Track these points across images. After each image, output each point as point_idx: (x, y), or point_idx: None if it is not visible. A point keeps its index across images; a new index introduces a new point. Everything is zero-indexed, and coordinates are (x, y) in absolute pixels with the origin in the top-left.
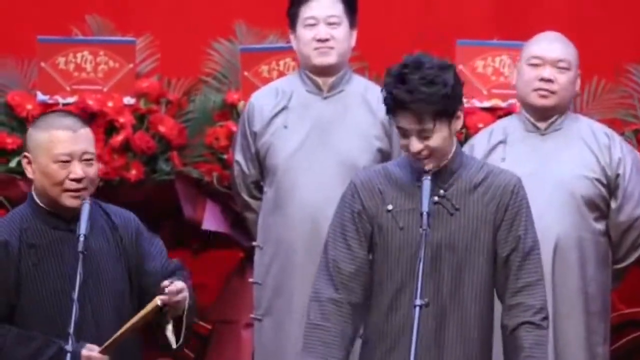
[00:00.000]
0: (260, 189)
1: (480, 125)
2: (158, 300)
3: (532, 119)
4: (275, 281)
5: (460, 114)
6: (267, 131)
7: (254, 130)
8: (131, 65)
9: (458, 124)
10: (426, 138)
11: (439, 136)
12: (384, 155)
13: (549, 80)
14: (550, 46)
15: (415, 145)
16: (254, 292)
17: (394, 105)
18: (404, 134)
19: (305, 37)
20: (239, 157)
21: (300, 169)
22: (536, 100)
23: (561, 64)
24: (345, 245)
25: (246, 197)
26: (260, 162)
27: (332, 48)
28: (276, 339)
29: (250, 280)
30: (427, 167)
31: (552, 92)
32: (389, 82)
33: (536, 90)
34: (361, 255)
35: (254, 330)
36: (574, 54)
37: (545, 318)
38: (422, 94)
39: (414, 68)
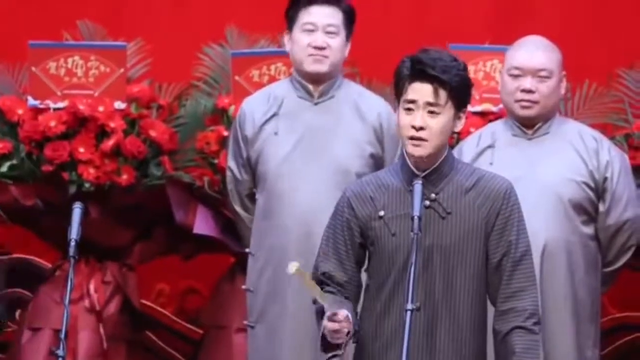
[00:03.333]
0: (253, 200)
1: (472, 130)
2: None
3: (518, 125)
4: (268, 288)
5: (463, 115)
6: (259, 138)
7: (246, 134)
8: (122, 70)
9: (459, 124)
10: (432, 115)
11: (444, 119)
12: (377, 161)
13: (530, 91)
14: (530, 56)
15: (420, 119)
16: (247, 299)
17: (412, 72)
18: (411, 107)
19: (301, 41)
20: (231, 163)
21: (291, 176)
22: (519, 111)
23: (542, 73)
24: (336, 257)
25: (238, 209)
26: (252, 168)
27: (326, 57)
28: (270, 345)
29: (243, 287)
30: (417, 153)
31: (534, 102)
32: (409, 56)
33: (518, 101)
34: (351, 267)
35: (247, 336)
36: (555, 60)
37: (537, 323)
38: (446, 64)
39: (438, 50)
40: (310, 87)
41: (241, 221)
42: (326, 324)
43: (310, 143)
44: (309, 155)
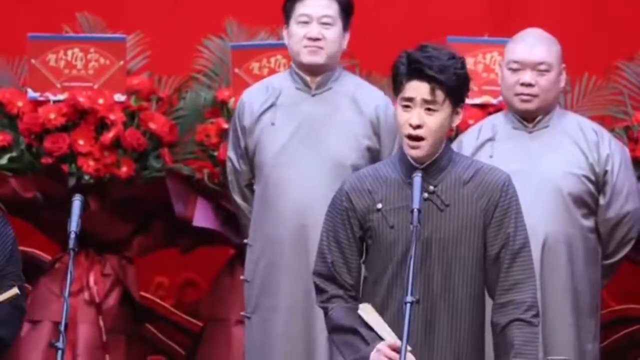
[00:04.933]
0: (252, 191)
1: (471, 122)
2: (17, 290)
3: (519, 118)
4: (263, 278)
5: (461, 110)
6: (256, 128)
7: (244, 125)
8: (122, 63)
9: (456, 119)
10: (430, 113)
11: (441, 116)
12: (373, 154)
13: (530, 85)
14: (529, 49)
15: (417, 117)
16: (244, 289)
17: (409, 70)
18: (409, 105)
19: (297, 33)
20: (231, 153)
21: (287, 167)
22: (519, 105)
23: (541, 67)
24: (339, 251)
25: (238, 200)
26: (249, 158)
27: (321, 48)
28: (263, 336)
29: (241, 277)
30: (414, 154)
31: (534, 96)
32: (407, 52)
33: (518, 95)
34: (354, 260)
35: (244, 327)
36: (554, 53)
37: (536, 315)
38: (442, 63)
39: (436, 47)
40: (308, 78)
41: (241, 212)
42: (389, 353)
43: (307, 134)
44: (305, 146)
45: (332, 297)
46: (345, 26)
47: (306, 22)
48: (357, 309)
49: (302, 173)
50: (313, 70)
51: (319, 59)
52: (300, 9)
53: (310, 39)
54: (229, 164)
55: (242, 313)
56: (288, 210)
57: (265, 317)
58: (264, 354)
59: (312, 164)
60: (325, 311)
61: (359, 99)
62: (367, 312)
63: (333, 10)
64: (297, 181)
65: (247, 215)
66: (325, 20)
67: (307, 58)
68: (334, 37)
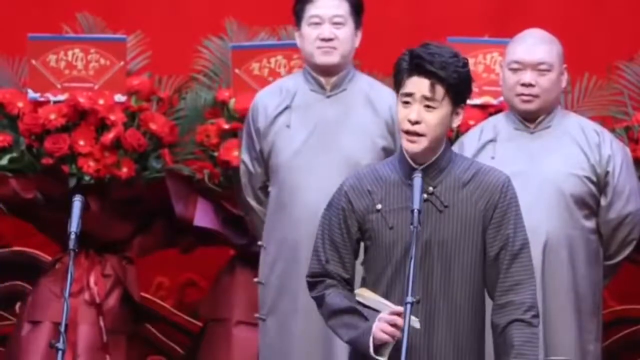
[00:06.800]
0: (266, 193)
1: (471, 122)
2: None
3: (520, 118)
4: (279, 281)
5: (461, 111)
6: (271, 130)
7: (258, 127)
8: (122, 63)
9: (457, 120)
10: (429, 110)
11: (440, 113)
12: (389, 154)
13: (530, 85)
14: (530, 49)
15: (416, 113)
16: (258, 292)
17: (410, 66)
18: (408, 100)
19: (309, 35)
20: (244, 156)
21: (303, 169)
22: (520, 105)
23: (542, 67)
24: (335, 250)
25: (252, 203)
26: (264, 161)
27: (335, 48)
28: (280, 338)
29: (255, 280)
30: (411, 150)
31: (535, 96)
32: (410, 49)
33: (519, 95)
34: (349, 259)
35: (258, 330)
36: (555, 53)
37: (536, 316)
38: (444, 60)
39: (439, 45)
40: (322, 80)
41: (255, 215)
42: (394, 319)
43: (322, 136)
44: (320, 148)
45: (329, 286)
46: (357, 25)
47: (318, 23)
48: (354, 294)
49: (318, 175)
50: (327, 70)
51: (333, 59)
52: (311, 11)
53: (323, 39)
54: (242, 167)
55: (256, 315)
56: (304, 212)
57: (283, 319)
58: (282, 355)
59: (327, 165)
60: (320, 301)
61: (373, 99)
62: (363, 294)
63: (344, 9)
64: (313, 183)
65: (261, 217)
66: (336, 20)
67: (321, 59)
68: (346, 36)
